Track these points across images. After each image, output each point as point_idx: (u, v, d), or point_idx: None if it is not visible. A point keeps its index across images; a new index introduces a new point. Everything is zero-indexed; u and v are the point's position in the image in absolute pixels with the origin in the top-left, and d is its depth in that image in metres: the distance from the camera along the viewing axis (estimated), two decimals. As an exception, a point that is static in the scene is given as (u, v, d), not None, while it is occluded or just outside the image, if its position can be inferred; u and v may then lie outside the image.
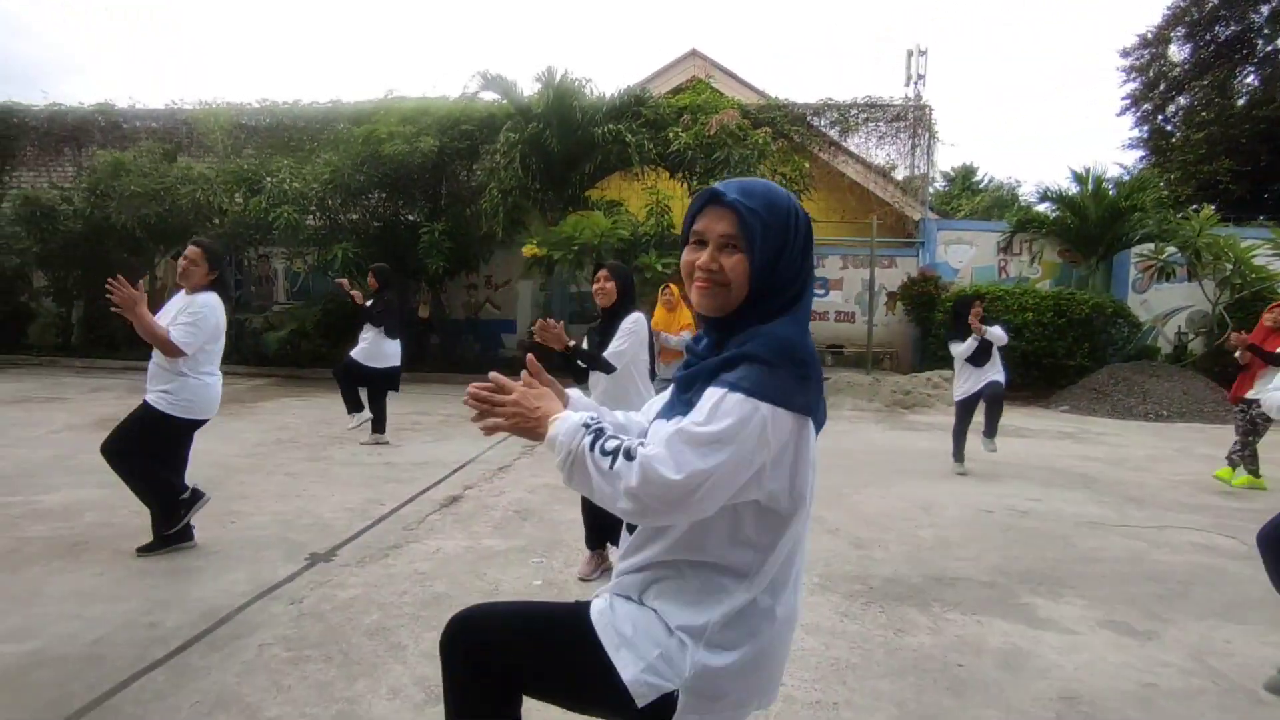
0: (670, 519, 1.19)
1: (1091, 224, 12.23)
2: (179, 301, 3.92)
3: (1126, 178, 14.00)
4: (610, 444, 1.18)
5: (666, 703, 1.24)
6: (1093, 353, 11.48)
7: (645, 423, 1.50)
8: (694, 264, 1.26)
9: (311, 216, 11.70)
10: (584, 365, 3.76)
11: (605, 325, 3.83)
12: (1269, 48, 19.37)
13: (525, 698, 1.41)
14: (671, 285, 6.76)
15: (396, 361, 6.95)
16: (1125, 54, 21.99)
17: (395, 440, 7.01)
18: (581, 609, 1.39)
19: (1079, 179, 12.57)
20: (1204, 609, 3.57)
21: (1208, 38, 20.09)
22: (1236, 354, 6.06)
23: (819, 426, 1.24)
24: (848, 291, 13.88)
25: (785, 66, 65.64)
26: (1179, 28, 20.43)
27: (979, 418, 6.60)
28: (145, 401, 3.85)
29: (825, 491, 5.59)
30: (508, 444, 7.15)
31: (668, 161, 11.42)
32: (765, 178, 10.90)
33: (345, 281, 7.31)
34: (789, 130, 12.91)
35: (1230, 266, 11.54)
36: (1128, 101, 22.37)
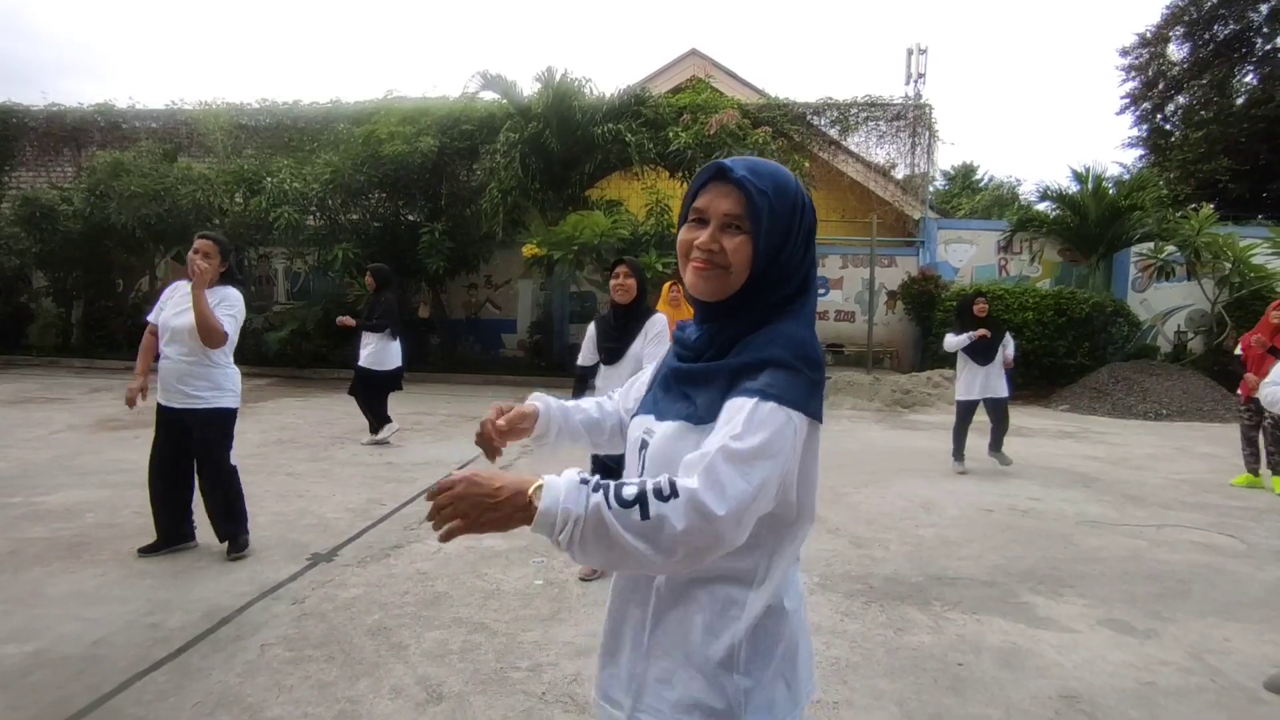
0: (713, 558, 1.02)
1: (1091, 223, 12.23)
2: (181, 292, 3.85)
3: (1126, 177, 14.01)
4: (628, 490, 0.99)
5: None
6: (1093, 352, 11.49)
7: (622, 411, 1.43)
8: (692, 243, 1.15)
9: (312, 217, 11.71)
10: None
11: (623, 322, 3.78)
12: (1268, 47, 19.37)
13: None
14: (678, 284, 6.78)
15: (400, 361, 6.96)
16: (1124, 53, 22.01)
17: (396, 440, 7.01)
18: None
19: (1079, 178, 12.57)
20: (1203, 607, 3.58)
21: (1206, 37, 20.09)
22: (1237, 350, 6.06)
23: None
24: (848, 290, 13.89)
25: (785, 65, 65.69)
26: (1178, 27, 20.42)
27: (980, 417, 6.57)
28: (216, 409, 3.83)
29: (825, 491, 5.59)
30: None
31: (667, 161, 11.42)
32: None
33: (347, 319, 7.13)
34: (789, 129, 12.91)
35: (1229, 265, 11.55)
36: (1127, 100, 22.37)
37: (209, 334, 3.70)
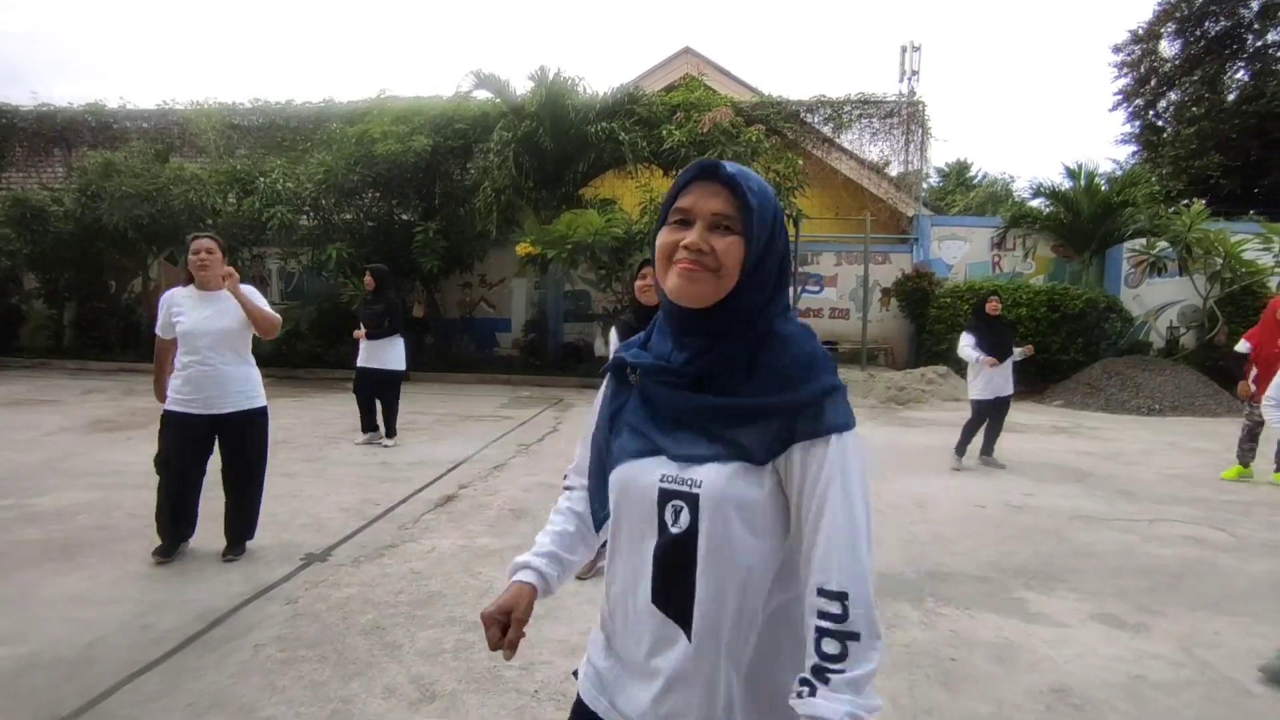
0: None
1: (1084, 219, 12.29)
2: (193, 298, 3.75)
3: (1119, 173, 14.07)
4: (841, 667, 0.95)
5: None
6: (1086, 348, 11.55)
7: (579, 486, 1.28)
8: (677, 244, 1.05)
9: (305, 217, 11.68)
10: None
11: (646, 322, 3.75)
12: (1259, 43, 19.45)
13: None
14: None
15: (404, 360, 6.96)
16: (1117, 50, 22.10)
17: (387, 440, 6.99)
18: None
19: (1071, 174, 12.62)
20: (1194, 601, 3.60)
21: (1198, 33, 20.17)
22: (1238, 347, 6.09)
23: None
24: (842, 288, 13.91)
25: (778, 63, 65.69)
26: (1170, 23, 20.51)
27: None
28: (262, 409, 3.86)
29: (819, 488, 5.61)
30: (502, 443, 7.16)
31: (661, 159, 11.42)
32: (759, 175, 11.07)
33: (361, 333, 6.86)
34: (782, 127, 12.92)
35: (1220, 261, 11.61)
36: (1119, 97, 22.46)
37: (270, 326, 3.81)
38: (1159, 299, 12.93)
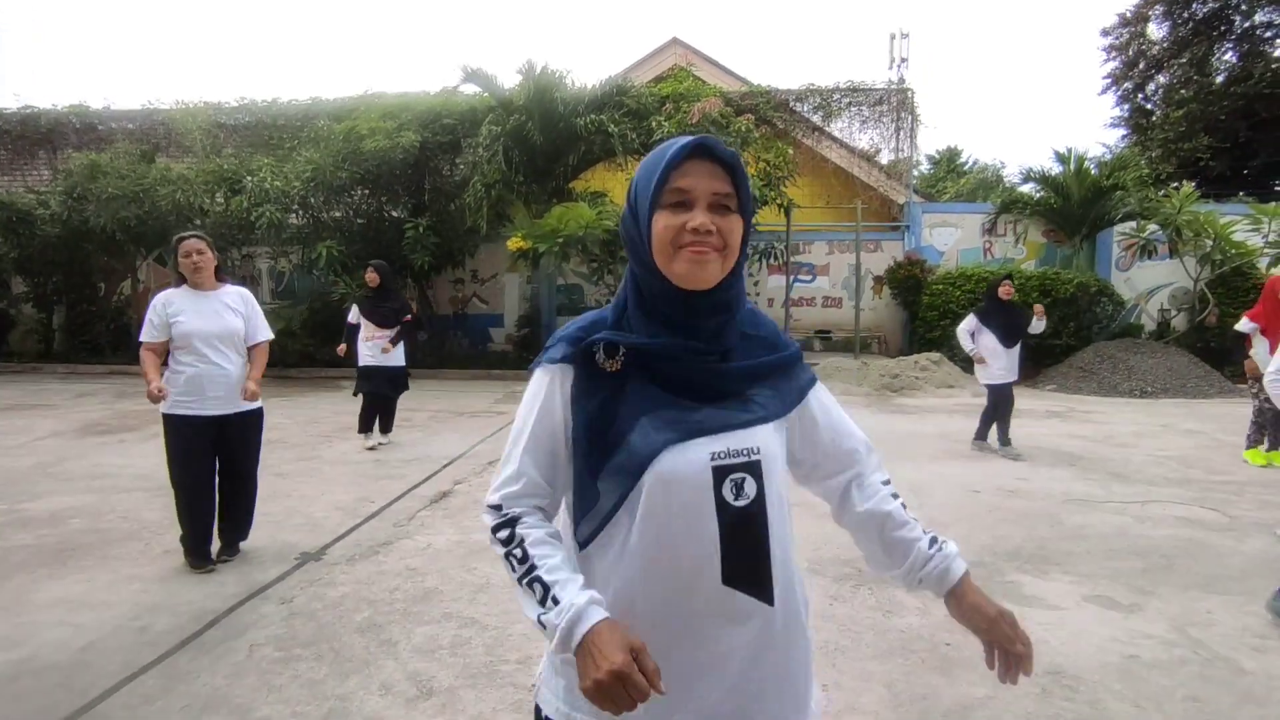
0: None
1: (1074, 204, 12.30)
2: (190, 298, 3.70)
3: (1109, 157, 14.09)
4: (931, 531, 1.20)
5: None
6: (1078, 331, 11.59)
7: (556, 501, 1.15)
8: (681, 227, 1.02)
9: (294, 215, 11.59)
10: None
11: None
12: (1246, 24, 19.47)
13: None
14: None
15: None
16: (1105, 33, 22.09)
17: (384, 437, 6.97)
18: None
19: (1061, 159, 12.63)
20: (1187, 581, 3.62)
21: (1186, 15, 20.17)
22: (1240, 326, 6.09)
23: None
24: (834, 277, 13.92)
25: (767, 52, 65.47)
26: (1158, 5, 20.49)
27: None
28: (260, 409, 3.86)
29: (814, 476, 5.62)
30: (496, 439, 7.15)
31: (650, 148, 11.37)
32: (749, 164, 10.77)
33: (389, 346, 6.62)
34: (771, 116, 12.88)
35: (1210, 243, 11.64)
36: (1108, 81, 22.48)
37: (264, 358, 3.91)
38: (1150, 282, 12.97)
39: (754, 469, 1.03)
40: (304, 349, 12.08)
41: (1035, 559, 3.91)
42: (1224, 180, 18.42)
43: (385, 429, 6.83)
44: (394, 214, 12.46)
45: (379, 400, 6.66)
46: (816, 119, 13.48)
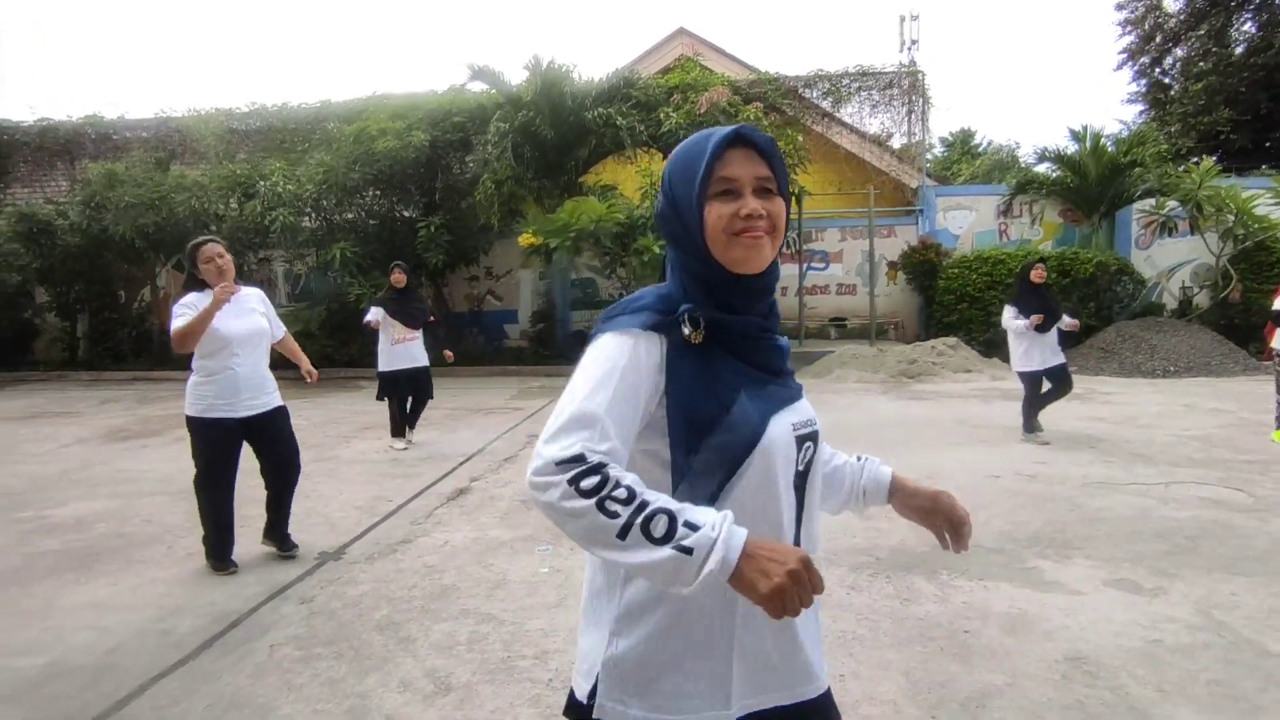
0: None
1: (1091, 182, 12.11)
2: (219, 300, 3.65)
3: (1127, 133, 13.83)
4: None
5: None
6: (1098, 312, 11.43)
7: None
8: (735, 215, 1.06)
9: (307, 218, 11.70)
10: None
11: None
12: (1265, -7, 19.01)
13: None
14: None
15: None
16: (1120, 7, 21.67)
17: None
18: None
19: (1077, 137, 12.42)
20: (1211, 563, 3.56)
21: (1203, -14, 19.72)
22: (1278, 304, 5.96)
23: None
24: (848, 263, 13.81)
25: (776, 39, 64.87)
26: (1174, -23, 20.07)
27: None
28: (283, 407, 3.92)
29: (830, 465, 5.60)
30: (512, 435, 7.18)
31: (660, 143, 11.33)
32: None
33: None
34: (780, 104, 12.79)
35: (1232, 218, 11.41)
36: (1124, 55, 22.05)
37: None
38: (1171, 259, 12.75)
39: (815, 437, 1.16)
40: (322, 350, 12.18)
41: (1055, 543, 3.87)
42: (1245, 153, 18.02)
43: (410, 425, 6.80)
44: (406, 214, 12.52)
45: (402, 402, 6.61)
46: (826, 105, 13.36)
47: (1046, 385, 6.40)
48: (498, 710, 2.44)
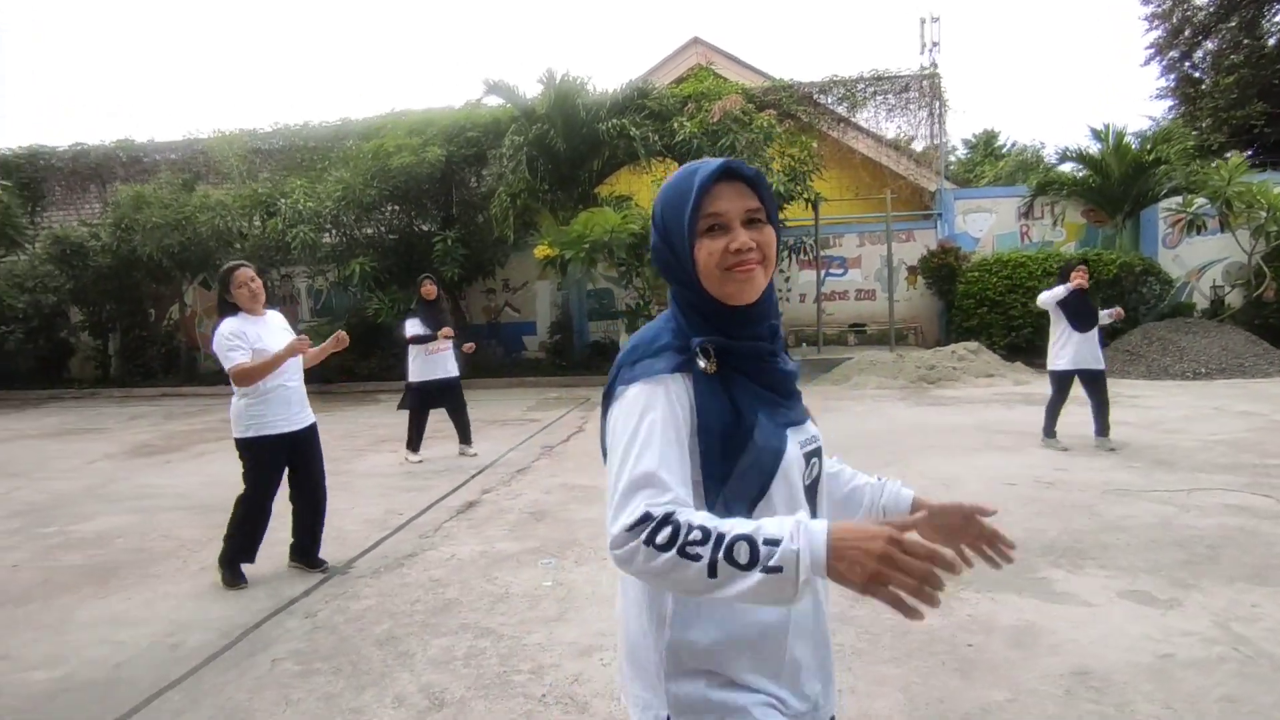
0: None
1: (1114, 181, 11.86)
2: (250, 322, 3.77)
3: (1154, 129, 13.53)
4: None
5: None
6: (1124, 313, 11.16)
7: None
8: (727, 249, 1.08)
9: (327, 234, 11.90)
10: None
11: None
12: (1298, -18, 18.51)
13: None
14: None
15: None
16: (1146, 1, 21.24)
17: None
18: None
19: (1098, 136, 12.19)
20: (1233, 573, 3.45)
21: (1232, -23, 19.26)
22: None
23: None
24: (866, 269, 13.69)
25: (794, 45, 64.65)
26: (1200, -31, 19.64)
27: (1076, 408, 6.27)
28: (316, 423, 4.05)
29: (842, 474, 5.53)
30: (527, 446, 7.21)
31: (674, 152, 11.35)
32: (773, 160, 10.56)
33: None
34: (795, 110, 12.74)
35: (1264, 214, 11.10)
36: (1151, 51, 21.58)
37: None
38: (1200, 258, 12.43)
39: (819, 453, 1.19)
40: (343, 363, 12.36)
41: (1070, 553, 3.78)
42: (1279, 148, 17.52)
43: (466, 438, 6.81)
44: (424, 228, 12.68)
45: (426, 414, 6.65)
46: (842, 110, 13.28)
47: (1078, 389, 6.20)
48: (490, 726, 2.44)
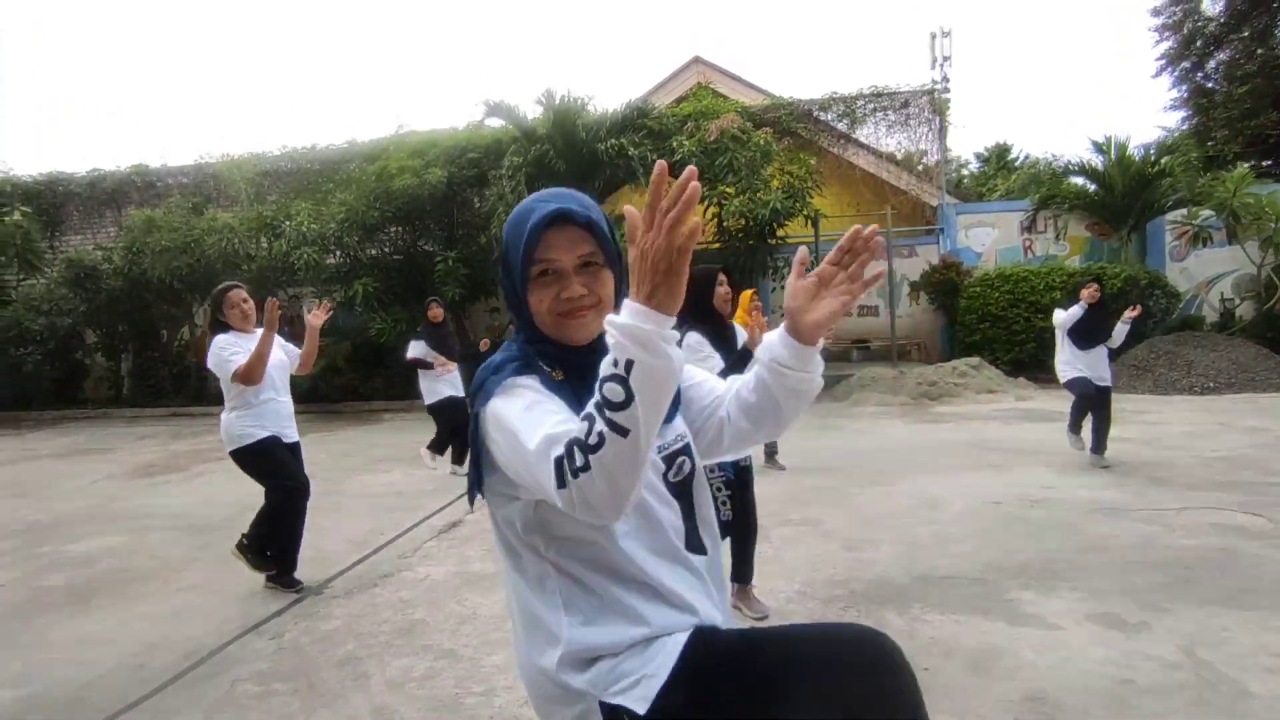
0: None
1: (1118, 194, 11.76)
2: (241, 339, 3.89)
3: (1167, 139, 13.40)
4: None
5: None
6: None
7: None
8: (555, 297, 1.10)
9: (331, 255, 12.07)
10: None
11: (727, 332, 3.46)
12: (1309, -9, 18.34)
13: None
14: (757, 293, 6.09)
15: None
16: (1156, 12, 21.13)
17: (411, 467, 7.08)
18: None
19: (1100, 149, 12.11)
20: (1207, 596, 3.38)
21: (1241, -13, 19.13)
22: None
23: None
24: (870, 285, 13.62)
25: (800, 63, 64.87)
26: (1210, -20, 19.52)
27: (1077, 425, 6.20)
28: (299, 444, 4.16)
29: (826, 493, 5.49)
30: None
31: (674, 172, 11.33)
32: (773, 177, 10.54)
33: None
34: (795, 127, 12.79)
35: (1273, 225, 10.94)
36: (1163, 62, 21.44)
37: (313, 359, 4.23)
38: (1209, 271, 12.26)
39: (687, 450, 1.25)
40: (348, 383, 12.52)
41: (1043, 574, 3.72)
42: (1296, 157, 17.30)
43: (459, 458, 6.85)
44: (427, 248, 12.83)
45: (454, 428, 6.75)
46: (842, 127, 13.31)
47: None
48: (433, 749, 2.45)
